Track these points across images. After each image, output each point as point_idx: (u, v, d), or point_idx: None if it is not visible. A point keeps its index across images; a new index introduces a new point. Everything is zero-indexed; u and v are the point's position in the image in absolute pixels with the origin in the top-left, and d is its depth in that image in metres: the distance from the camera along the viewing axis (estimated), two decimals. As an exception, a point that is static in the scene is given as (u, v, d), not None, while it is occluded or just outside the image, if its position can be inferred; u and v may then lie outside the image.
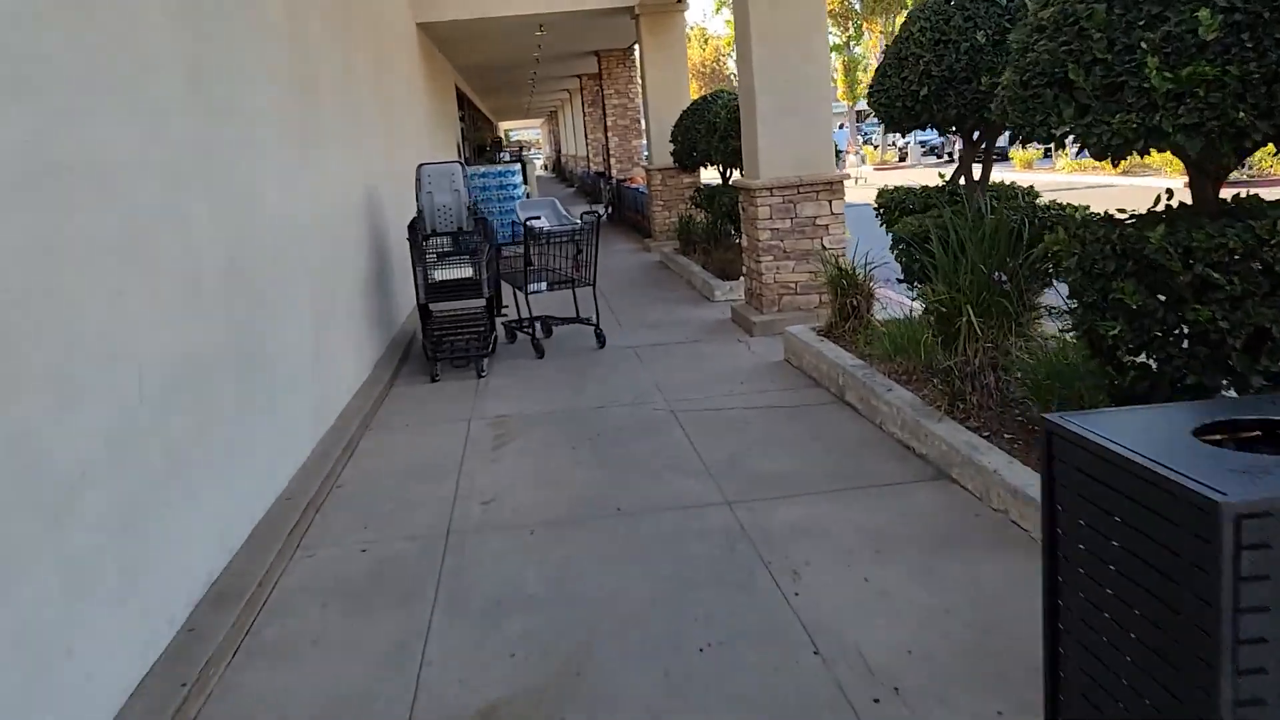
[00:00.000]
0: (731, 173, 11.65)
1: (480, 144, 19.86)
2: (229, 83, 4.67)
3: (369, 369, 7.40)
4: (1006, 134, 4.82)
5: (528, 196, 28.06)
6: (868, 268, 6.68)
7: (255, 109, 5.05)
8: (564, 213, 8.78)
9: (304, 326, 5.51)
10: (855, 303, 6.61)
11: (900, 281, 6.03)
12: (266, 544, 4.11)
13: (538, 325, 8.55)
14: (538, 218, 8.31)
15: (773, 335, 7.84)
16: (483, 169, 15.84)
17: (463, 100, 24.50)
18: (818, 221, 8.04)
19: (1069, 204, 5.48)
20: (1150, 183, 21.25)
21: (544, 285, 8.05)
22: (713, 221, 11.61)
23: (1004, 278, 4.46)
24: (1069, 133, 3.44)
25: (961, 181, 6.49)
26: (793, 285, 8.13)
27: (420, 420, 6.35)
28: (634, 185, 18.50)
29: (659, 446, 5.29)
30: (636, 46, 15.54)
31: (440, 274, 7.72)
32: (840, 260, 7.25)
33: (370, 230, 8.24)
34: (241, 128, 4.78)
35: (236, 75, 4.79)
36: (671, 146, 12.85)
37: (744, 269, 8.79)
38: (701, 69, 58.70)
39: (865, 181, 28.52)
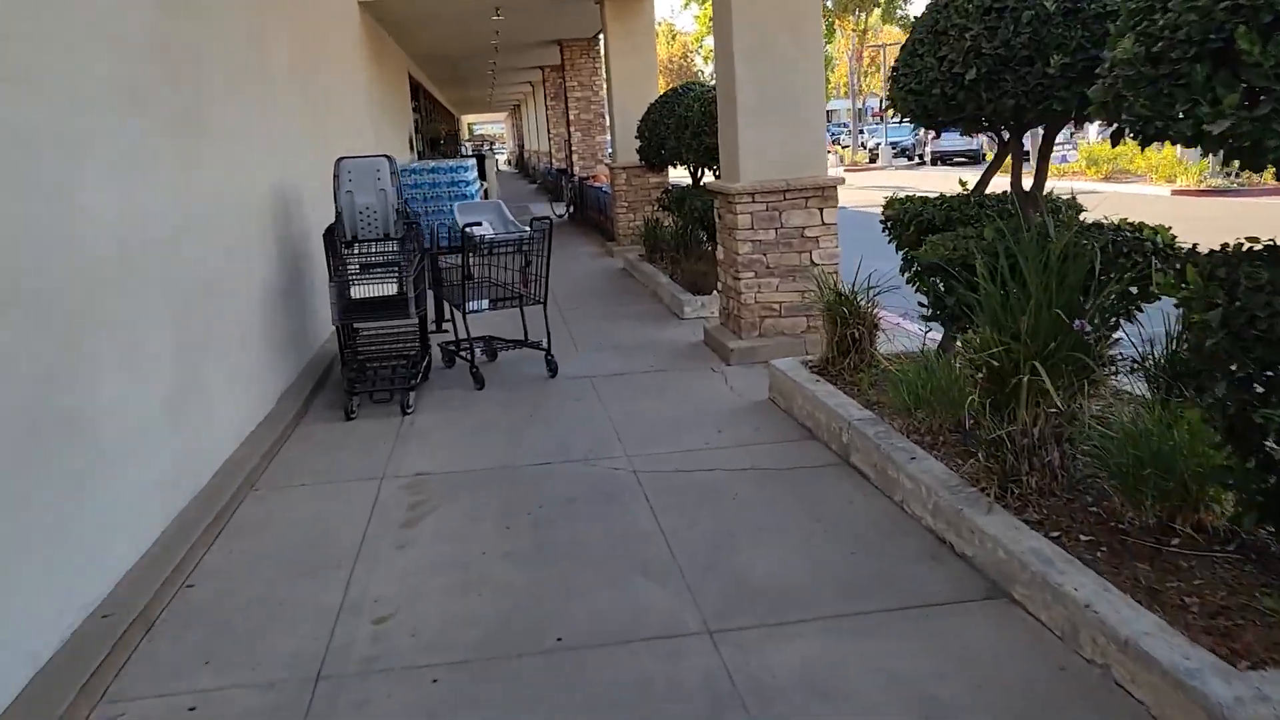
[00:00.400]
0: (704, 173, 10.49)
1: (435, 137, 18.57)
2: (33, 49, 3.42)
3: (272, 403, 6.14)
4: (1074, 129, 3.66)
5: (485, 195, 26.78)
6: (871, 292, 5.54)
7: (80, 85, 3.79)
8: (510, 217, 7.55)
9: (156, 365, 4.25)
10: (857, 334, 5.47)
11: (927, 320, 4.87)
12: (51, 698, 2.86)
13: (478, 349, 7.32)
14: (478, 223, 7.10)
15: (752, 364, 6.69)
16: (431, 164, 14.55)
17: (418, 91, 23.13)
18: (807, 233, 6.89)
19: (1151, 226, 4.35)
20: (1139, 190, 20.39)
21: (485, 303, 6.82)
22: (682, 227, 10.44)
23: (1087, 326, 3.32)
24: (1233, 129, 2.30)
25: (979, 190, 5.36)
26: (776, 307, 6.97)
27: (321, 476, 5.10)
28: (597, 184, 17.30)
29: (617, 529, 4.10)
30: (601, 35, 14.32)
31: (361, 290, 6.47)
32: (837, 282, 6.10)
33: (282, 237, 6.97)
34: (54, 108, 3.53)
35: (47, 39, 3.54)
36: (638, 143, 11.67)
37: (719, 284, 7.63)
38: (669, 65, 57.62)
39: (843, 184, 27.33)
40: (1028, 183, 5.00)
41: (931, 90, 4.41)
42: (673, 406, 5.92)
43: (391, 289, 6.40)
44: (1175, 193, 19.38)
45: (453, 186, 14.57)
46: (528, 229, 6.84)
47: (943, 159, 35.76)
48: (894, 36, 44.20)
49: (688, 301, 8.74)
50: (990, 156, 28.92)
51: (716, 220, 7.46)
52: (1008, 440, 3.54)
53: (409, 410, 6.16)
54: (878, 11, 44.85)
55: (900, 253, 5.32)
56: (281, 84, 7.60)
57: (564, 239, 16.29)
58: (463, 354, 7.09)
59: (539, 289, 6.89)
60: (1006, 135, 5.05)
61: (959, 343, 4.23)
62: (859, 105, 47.82)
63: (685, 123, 9.76)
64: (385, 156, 6.91)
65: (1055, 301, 3.42)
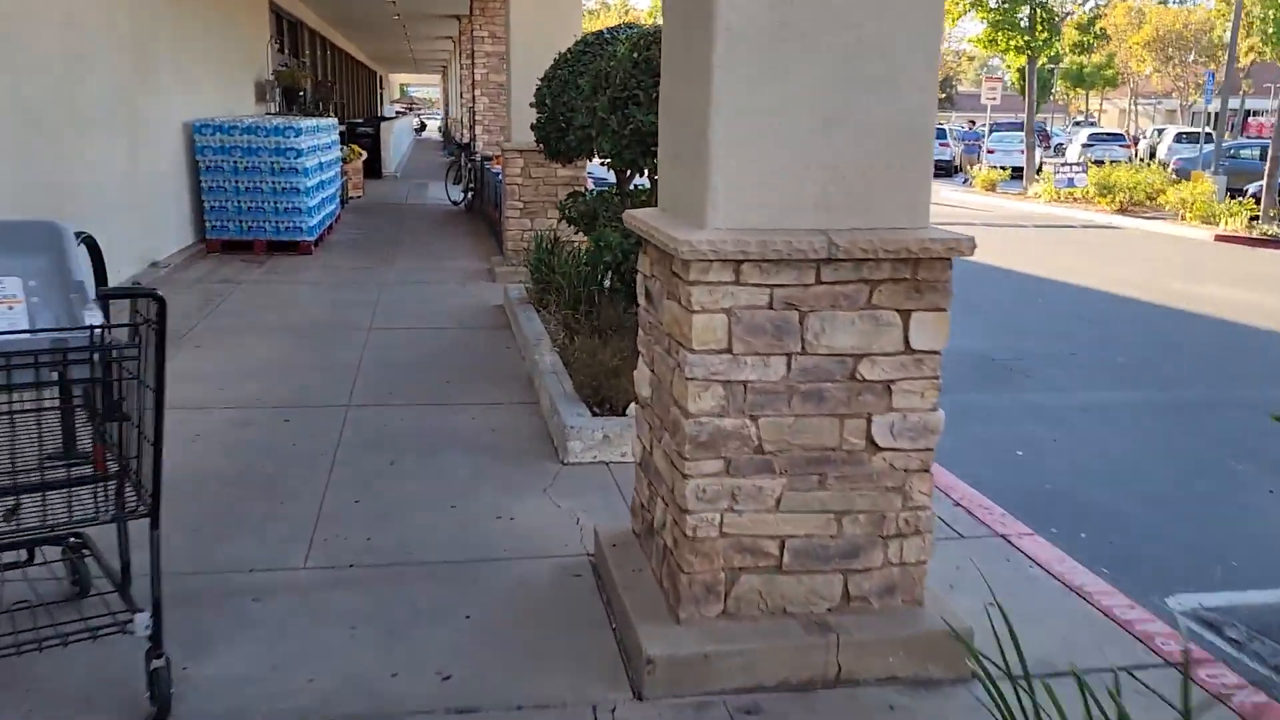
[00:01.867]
0: (635, 175, 6.25)
1: (290, 86, 13.99)
2: None
3: None
4: None
5: (381, 174, 21.85)
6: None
7: None
8: (80, 278, 3.02)
9: None
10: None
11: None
12: None
13: None
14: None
15: (703, 697, 2.50)
16: (247, 122, 10.03)
17: (297, 30, 18.39)
18: (865, 372, 2.69)
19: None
20: (1169, 230, 16.64)
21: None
22: (590, 263, 6.16)
23: None
24: None
25: None
26: (773, 553, 2.77)
27: None
28: (498, 167, 12.92)
29: None
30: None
31: None
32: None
33: None
34: None
35: None
36: (536, 115, 7.34)
37: (636, 408, 3.36)
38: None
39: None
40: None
41: None
42: None
43: None
44: (1220, 238, 15.66)
45: (278, 156, 10.07)
46: (94, 320, 2.45)
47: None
48: None
49: (577, 427, 4.46)
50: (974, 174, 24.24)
51: (644, 300, 3.21)
52: None
53: None
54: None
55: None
56: None
57: (443, 239, 11.85)
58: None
59: (141, 481, 2.52)
60: None
61: None
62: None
63: (604, 82, 5.46)
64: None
65: None
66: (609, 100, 5.20)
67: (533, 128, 7.35)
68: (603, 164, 6.56)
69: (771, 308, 2.62)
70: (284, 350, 6.36)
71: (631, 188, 6.84)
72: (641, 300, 3.21)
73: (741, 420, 2.66)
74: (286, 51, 17.04)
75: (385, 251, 10.74)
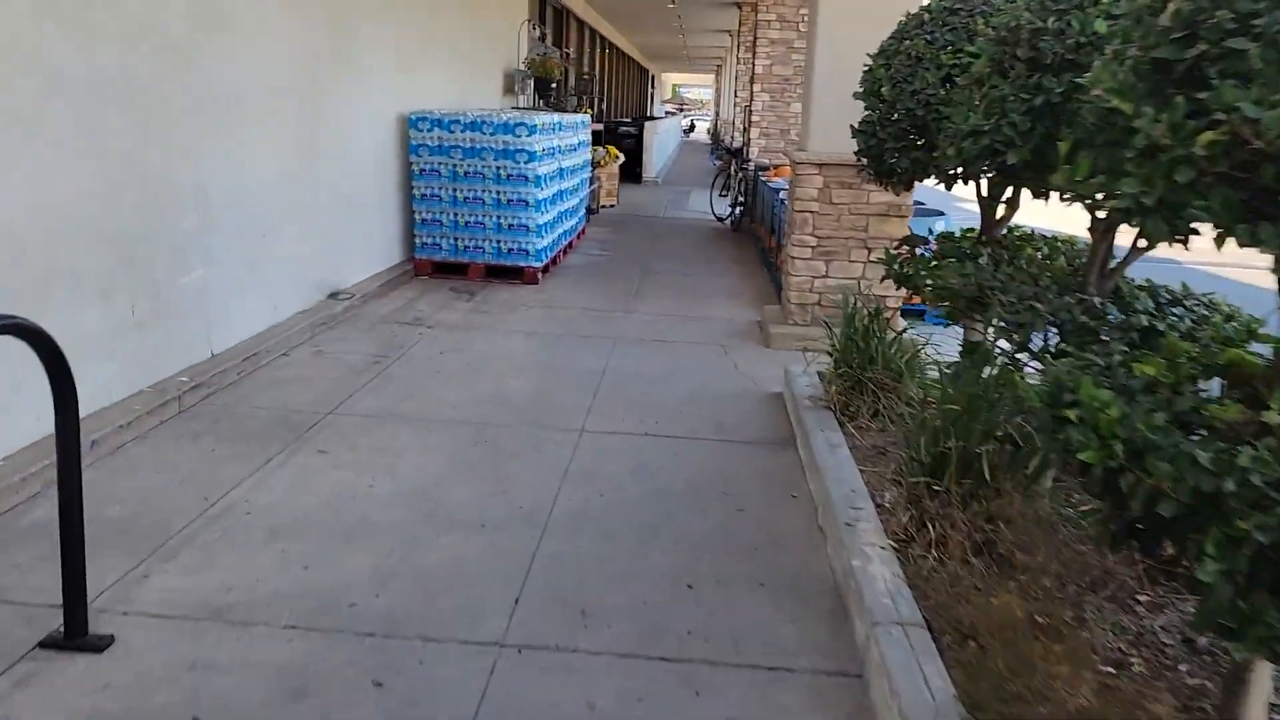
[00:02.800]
0: (1007, 209, 3.46)
1: (544, 78, 12.09)
2: None
3: None
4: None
5: (640, 179, 19.53)
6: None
7: None
8: None
9: None
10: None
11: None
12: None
13: None
14: None
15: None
16: (472, 116, 7.97)
17: (567, 20, 16.66)
18: None
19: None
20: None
21: None
22: (980, 429, 3.37)
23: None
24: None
25: None
26: None
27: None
28: (777, 180, 10.36)
29: None
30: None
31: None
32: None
33: None
34: None
35: None
36: (864, 112, 4.65)
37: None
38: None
39: None
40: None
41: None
42: None
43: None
44: None
45: (505, 160, 7.98)
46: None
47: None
48: None
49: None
50: None
51: None
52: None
53: None
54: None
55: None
56: None
57: (703, 268, 9.39)
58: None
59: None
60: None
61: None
62: None
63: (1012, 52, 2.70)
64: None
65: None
66: (988, 100, 2.47)
67: (855, 131, 4.68)
68: (968, 183, 3.81)
69: None
70: (438, 470, 4.06)
71: (1004, 231, 4.09)
72: None
73: None
74: (549, 39, 15.26)
75: (629, 284, 8.42)
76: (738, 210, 12.53)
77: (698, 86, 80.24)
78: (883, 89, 4.45)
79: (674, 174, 22.43)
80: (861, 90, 4.67)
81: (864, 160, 4.81)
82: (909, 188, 4.85)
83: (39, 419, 3.74)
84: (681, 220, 13.47)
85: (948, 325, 5.29)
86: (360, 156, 7.25)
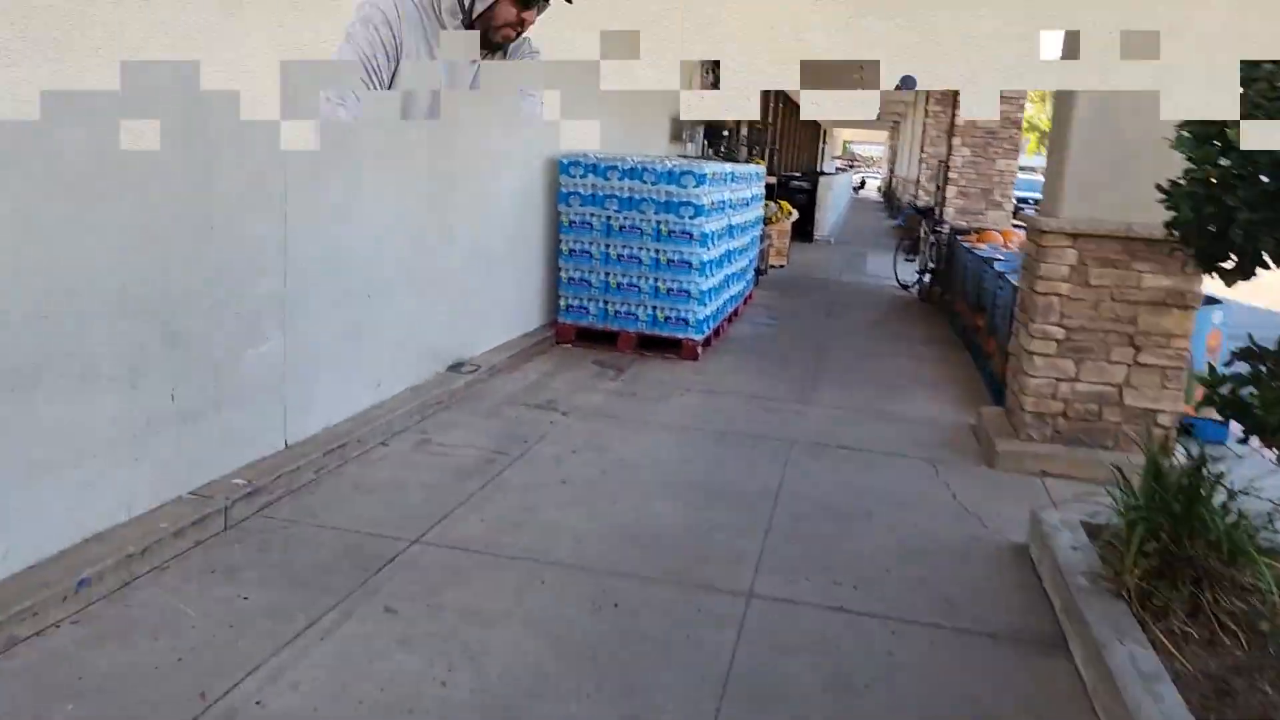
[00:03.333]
0: None
1: (715, 126, 10.95)
2: None
3: None
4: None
5: (812, 237, 17.77)
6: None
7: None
8: None
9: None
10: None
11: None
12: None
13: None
14: None
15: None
16: (632, 162, 6.83)
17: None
18: None
19: None
20: None
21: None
22: None
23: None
24: None
25: None
26: None
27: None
28: (984, 247, 8.82)
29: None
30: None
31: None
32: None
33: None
34: None
35: None
36: (1153, 174, 3.21)
37: None
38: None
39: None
40: None
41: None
42: None
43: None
44: None
45: (667, 214, 6.79)
46: None
47: None
48: None
49: None
50: None
51: None
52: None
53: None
54: None
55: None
56: None
57: (891, 348, 7.92)
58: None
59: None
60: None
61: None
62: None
63: None
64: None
65: None
66: None
67: (1168, 194, 3.21)
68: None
69: None
70: (539, 660, 2.81)
71: None
72: None
73: None
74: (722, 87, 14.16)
75: (805, 365, 7.05)
76: (926, 278, 10.99)
77: (869, 143, 78.25)
78: (1228, 131, 3.00)
79: (846, 233, 20.90)
80: (1178, 138, 3.22)
81: (1175, 234, 3.35)
82: (1248, 277, 3.33)
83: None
84: (860, 286, 12.00)
85: (1244, 441, 3.66)
86: (500, 203, 6.20)
